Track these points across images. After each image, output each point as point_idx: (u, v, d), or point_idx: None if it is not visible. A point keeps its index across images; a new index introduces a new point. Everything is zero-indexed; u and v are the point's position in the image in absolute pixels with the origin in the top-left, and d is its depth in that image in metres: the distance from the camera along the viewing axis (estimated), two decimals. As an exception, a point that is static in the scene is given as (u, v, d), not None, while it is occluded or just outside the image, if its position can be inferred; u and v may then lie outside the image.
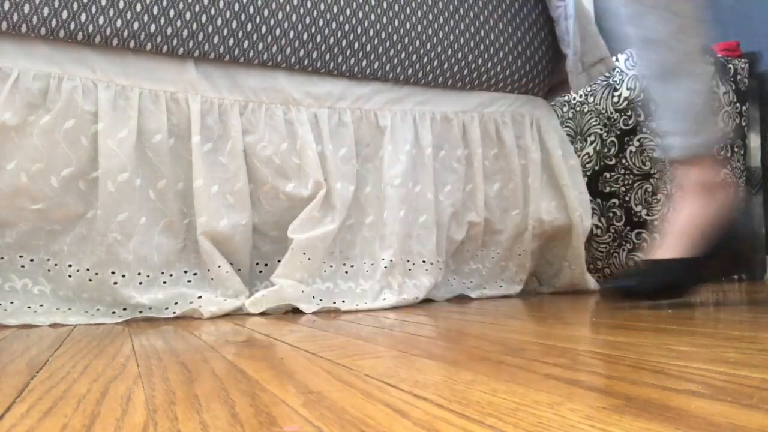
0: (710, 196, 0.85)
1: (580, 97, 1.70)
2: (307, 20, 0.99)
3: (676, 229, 0.85)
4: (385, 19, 1.06)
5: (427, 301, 1.08)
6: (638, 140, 1.55)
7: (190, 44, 0.91)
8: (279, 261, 0.99)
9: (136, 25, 0.88)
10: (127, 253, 0.85)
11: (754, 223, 0.85)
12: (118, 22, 0.87)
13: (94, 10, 0.85)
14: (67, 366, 0.44)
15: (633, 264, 0.85)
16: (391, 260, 1.00)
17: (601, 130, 1.62)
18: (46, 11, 0.83)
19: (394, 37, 1.07)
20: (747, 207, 0.94)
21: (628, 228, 1.57)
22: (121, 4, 0.87)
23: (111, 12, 0.86)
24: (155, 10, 0.89)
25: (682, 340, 0.49)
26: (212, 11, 0.92)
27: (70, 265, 0.84)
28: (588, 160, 1.65)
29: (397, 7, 1.07)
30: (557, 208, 1.20)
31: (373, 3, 1.05)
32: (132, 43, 0.88)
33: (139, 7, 0.88)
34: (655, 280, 0.83)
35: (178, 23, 0.90)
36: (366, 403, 0.30)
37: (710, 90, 0.88)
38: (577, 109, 1.70)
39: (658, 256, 0.85)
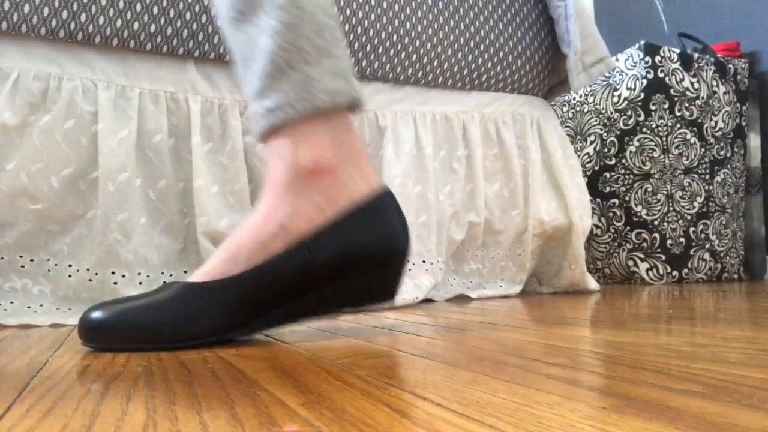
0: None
1: (580, 97, 1.70)
2: (307, 20, 0.99)
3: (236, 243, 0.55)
4: (385, 19, 1.06)
5: (427, 301, 1.08)
6: (638, 140, 1.55)
7: (190, 44, 0.91)
8: (279, 261, 0.99)
9: (136, 25, 0.88)
10: (127, 253, 0.84)
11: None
12: (118, 22, 0.87)
13: (94, 10, 0.85)
14: (67, 366, 0.44)
15: None
16: (391, 260, 1.00)
17: (601, 130, 1.62)
18: (46, 11, 0.83)
19: (394, 37, 1.07)
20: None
21: (628, 228, 1.57)
22: (121, 4, 0.87)
23: (111, 12, 0.86)
24: (155, 10, 0.89)
25: (682, 340, 0.49)
26: (212, 11, 0.92)
27: (70, 265, 0.84)
28: (588, 160, 1.65)
29: (397, 7, 1.07)
30: (557, 208, 1.20)
31: (373, 3, 1.05)
32: (132, 43, 0.88)
33: (139, 7, 0.88)
34: None
35: (178, 23, 0.90)
36: (366, 403, 0.30)
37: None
38: (577, 109, 1.70)
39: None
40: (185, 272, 0.91)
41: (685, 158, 1.58)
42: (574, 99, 1.71)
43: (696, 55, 1.63)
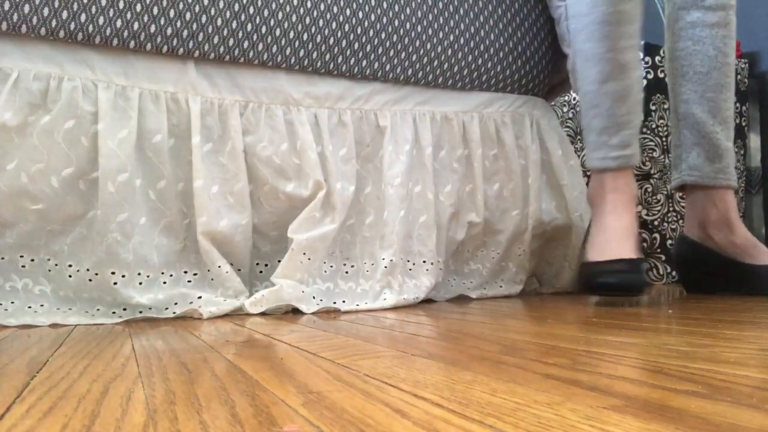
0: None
1: (580, 97, 1.70)
2: (307, 20, 0.99)
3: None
4: (385, 19, 1.06)
5: (427, 301, 1.08)
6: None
7: (190, 44, 0.91)
8: (279, 261, 0.99)
9: (136, 26, 0.88)
10: (127, 254, 0.85)
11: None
12: (118, 23, 0.87)
13: (94, 10, 0.85)
14: (67, 366, 0.44)
15: (610, 262, 0.90)
16: (391, 260, 1.00)
17: (601, 130, 1.61)
18: (46, 11, 0.83)
19: (394, 37, 1.07)
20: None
21: (628, 228, 1.56)
22: (121, 5, 0.87)
23: (111, 12, 0.86)
24: (155, 11, 0.89)
25: (682, 340, 0.49)
26: (212, 11, 0.92)
27: (70, 266, 0.84)
28: (588, 160, 1.64)
29: (397, 7, 1.07)
30: (557, 208, 1.20)
31: (373, 3, 1.05)
32: (132, 44, 0.88)
33: (139, 8, 0.88)
34: (634, 278, 0.86)
35: (178, 23, 0.90)
36: (366, 403, 0.30)
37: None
38: (577, 109, 1.70)
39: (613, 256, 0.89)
40: (185, 272, 0.91)
41: (685, 158, 1.58)
42: (574, 99, 1.71)
43: (696, 55, 1.63)
